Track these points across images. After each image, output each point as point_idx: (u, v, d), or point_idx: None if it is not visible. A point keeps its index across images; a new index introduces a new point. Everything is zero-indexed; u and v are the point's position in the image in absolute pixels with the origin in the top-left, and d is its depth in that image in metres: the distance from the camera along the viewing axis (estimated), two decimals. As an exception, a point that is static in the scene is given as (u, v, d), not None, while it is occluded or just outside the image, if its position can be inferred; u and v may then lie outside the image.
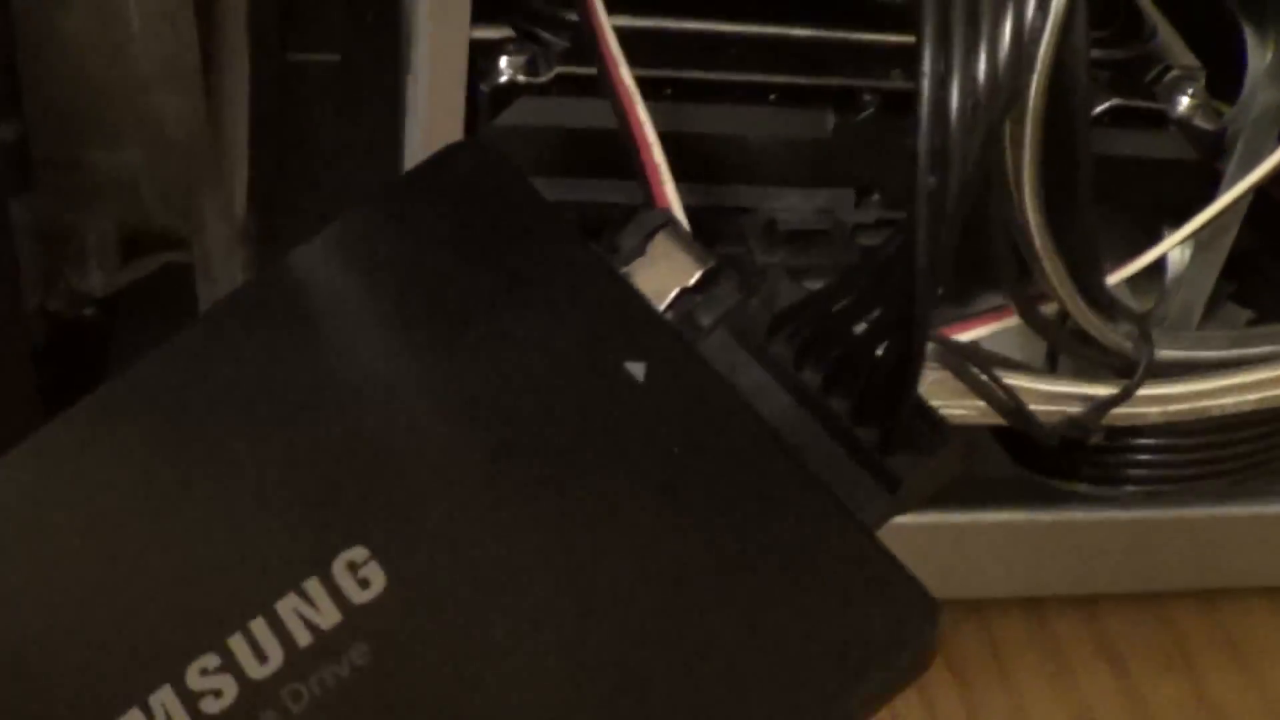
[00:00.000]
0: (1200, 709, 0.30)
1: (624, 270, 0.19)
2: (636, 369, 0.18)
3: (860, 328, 0.18)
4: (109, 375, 0.20)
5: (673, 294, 0.19)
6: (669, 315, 0.19)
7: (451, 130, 0.25)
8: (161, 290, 0.29)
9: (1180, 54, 0.28)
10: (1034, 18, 0.17)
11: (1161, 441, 0.27)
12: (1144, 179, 0.28)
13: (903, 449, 0.18)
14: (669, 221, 0.20)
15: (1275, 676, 0.31)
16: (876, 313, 0.17)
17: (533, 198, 0.20)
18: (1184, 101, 0.27)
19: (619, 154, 0.22)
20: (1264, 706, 0.30)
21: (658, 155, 0.22)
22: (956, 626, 0.30)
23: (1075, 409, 0.24)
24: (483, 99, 0.25)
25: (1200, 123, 0.28)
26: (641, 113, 0.22)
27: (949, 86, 0.16)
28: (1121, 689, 0.30)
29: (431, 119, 0.24)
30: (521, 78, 0.25)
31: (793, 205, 0.27)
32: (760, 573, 0.17)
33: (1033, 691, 0.30)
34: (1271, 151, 0.26)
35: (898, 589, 0.17)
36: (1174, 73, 0.28)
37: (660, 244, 0.19)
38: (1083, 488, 0.27)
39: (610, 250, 0.20)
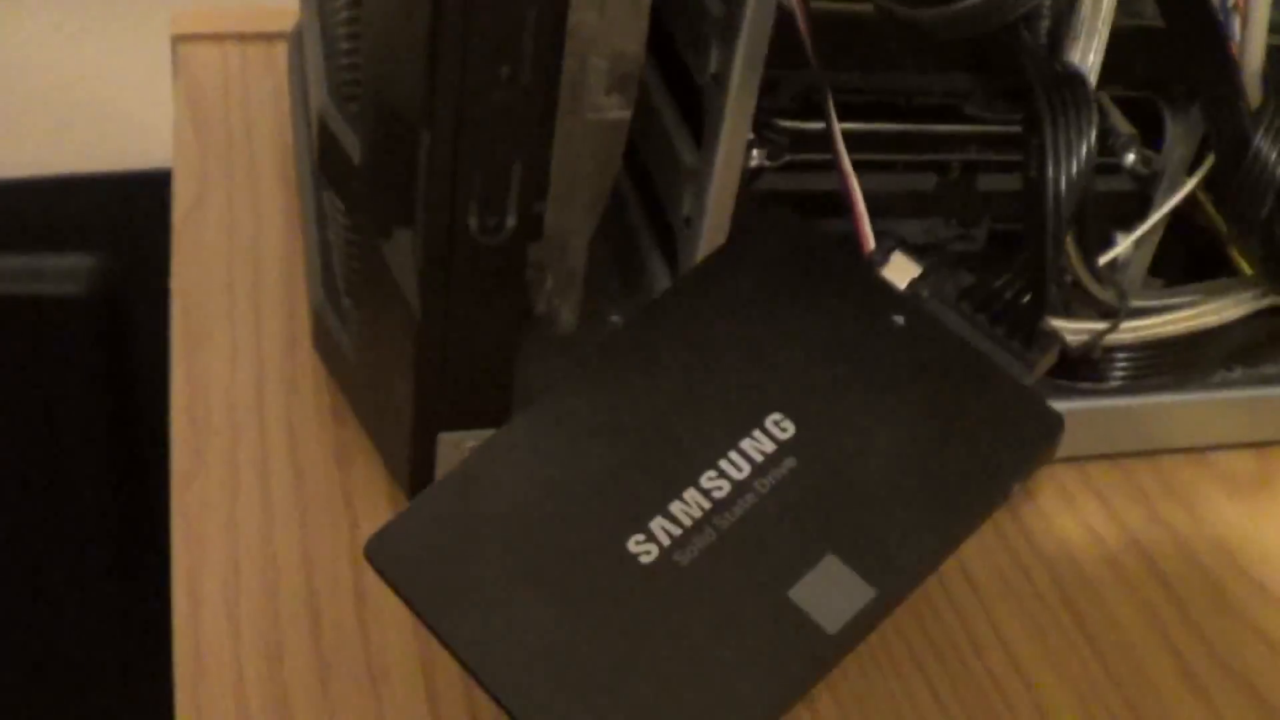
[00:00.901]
0: (1154, 523, 0.52)
1: (881, 272, 0.41)
2: (899, 319, 0.40)
3: (1009, 293, 0.40)
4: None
5: (908, 280, 0.41)
6: (908, 291, 0.41)
7: (731, 186, 0.45)
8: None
9: (1124, 126, 0.50)
10: (1093, 148, 0.39)
11: (1128, 355, 0.49)
12: (1108, 204, 0.50)
13: (1032, 351, 0.40)
14: (898, 245, 0.42)
15: (1200, 504, 0.53)
16: (1020, 283, 0.40)
17: (824, 239, 0.42)
18: (1130, 157, 0.50)
19: (814, 204, 0.44)
20: (1189, 513, 0.53)
21: (864, 211, 0.44)
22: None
23: (1085, 338, 0.47)
24: (745, 174, 0.46)
25: (1139, 168, 0.50)
26: (857, 188, 0.44)
27: (1060, 187, 0.38)
28: (1103, 508, 0.53)
29: (721, 182, 0.45)
30: (767, 162, 0.46)
31: (909, 230, 0.49)
32: (971, 409, 0.39)
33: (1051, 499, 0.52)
34: (1182, 187, 0.49)
35: (1048, 412, 0.39)
36: (1123, 138, 0.50)
37: (897, 257, 0.41)
38: (1084, 385, 0.50)
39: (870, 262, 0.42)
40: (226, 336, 0.54)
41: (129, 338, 0.97)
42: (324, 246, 0.52)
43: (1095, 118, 0.39)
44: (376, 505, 0.48)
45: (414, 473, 0.47)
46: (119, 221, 0.94)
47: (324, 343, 0.51)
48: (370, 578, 0.40)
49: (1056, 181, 0.38)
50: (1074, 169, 0.39)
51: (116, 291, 0.95)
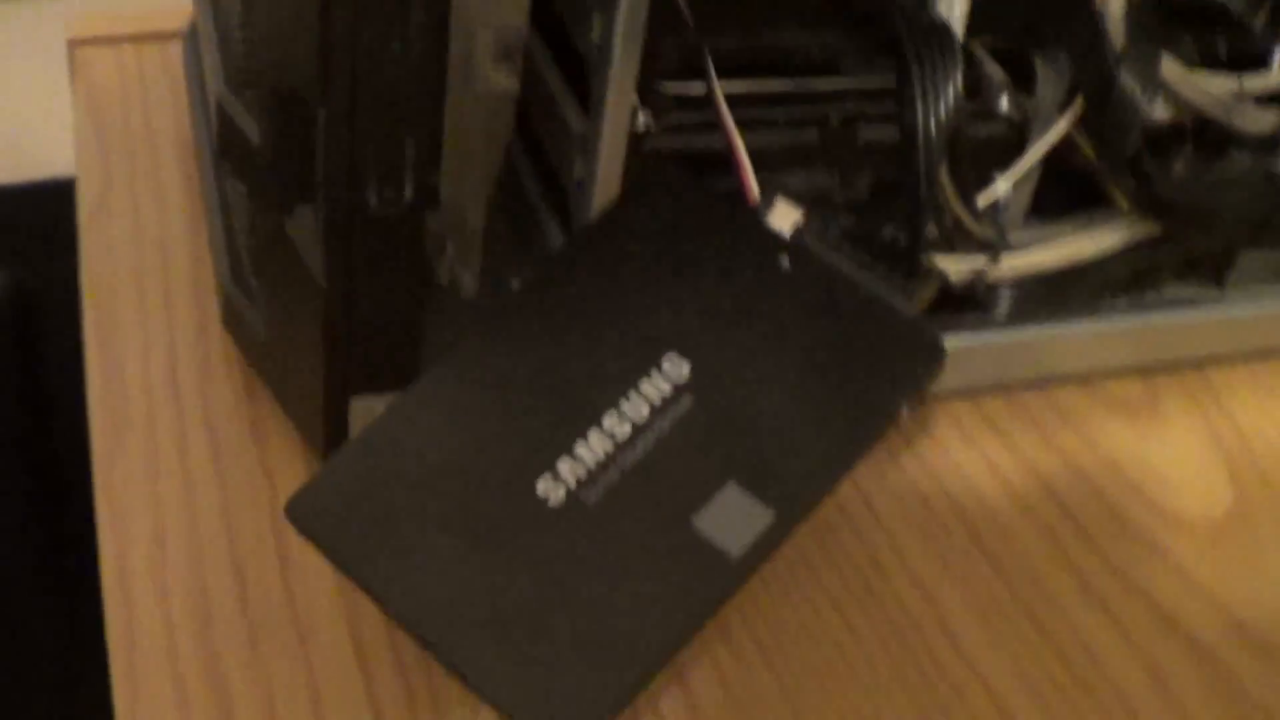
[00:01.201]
0: (1048, 449, 0.55)
1: (766, 219, 0.44)
2: (784, 261, 0.43)
3: (889, 233, 0.42)
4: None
5: (792, 226, 0.44)
6: (792, 237, 0.43)
7: (619, 149, 0.47)
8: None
9: (996, 74, 0.53)
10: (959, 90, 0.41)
11: (1012, 288, 0.52)
12: (986, 149, 0.53)
13: (912, 282, 0.43)
14: (779, 195, 0.44)
15: (1091, 428, 0.56)
16: (898, 222, 0.42)
17: (710, 193, 0.44)
18: (1004, 102, 0.52)
19: (702, 162, 0.46)
20: (1081, 438, 0.56)
21: (748, 164, 0.46)
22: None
23: (967, 275, 0.50)
24: (633, 137, 0.48)
25: (1013, 113, 0.53)
26: (739, 143, 0.46)
27: (930, 128, 0.41)
28: (998, 438, 0.55)
29: (609, 146, 0.47)
30: (653, 125, 0.48)
31: (795, 183, 0.51)
32: (857, 340, 0.42)
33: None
34: (1055, 128, 0.51)
35: (929, 334, 0.41)
36: (996, 84, 0.53)
37: (780, 204, 0.44)
38: (972, 317, 0.52)
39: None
40: (138, 325, 0.55)
41: (40, 348, 0.98)
42: (228, 231, 0.53)
43: (960, 63, 0.42)
44: (294, 475, 0.50)
45: (329, 439, 0.48)
46: (25, 233, 0.95)
47: (234, 323, 0.53)
48: (293, 542, 0.42)
49: (926, 123, 0.41)
50: (941, 110, 0.41)
51: (26, 303, 0.96)
